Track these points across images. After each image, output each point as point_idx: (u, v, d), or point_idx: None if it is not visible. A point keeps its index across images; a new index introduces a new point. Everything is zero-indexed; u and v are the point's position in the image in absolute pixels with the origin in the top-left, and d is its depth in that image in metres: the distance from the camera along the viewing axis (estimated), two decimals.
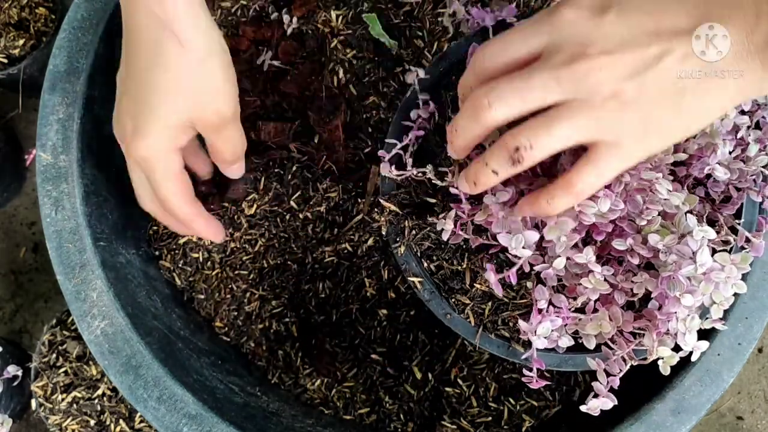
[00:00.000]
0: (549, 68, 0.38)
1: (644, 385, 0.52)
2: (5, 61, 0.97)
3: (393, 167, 0.48)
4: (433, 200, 0.49)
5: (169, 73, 0.47)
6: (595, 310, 0.43)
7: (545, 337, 0.43)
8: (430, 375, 0.65)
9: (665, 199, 0.41)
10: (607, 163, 0.38)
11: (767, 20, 0.36)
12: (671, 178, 0.44)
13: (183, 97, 0.48)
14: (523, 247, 0.41)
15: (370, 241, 0.65)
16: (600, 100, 0.37)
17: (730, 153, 0.45)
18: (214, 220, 0.58)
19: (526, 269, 0.44)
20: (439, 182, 0.47)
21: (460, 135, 0.42)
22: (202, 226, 0.56)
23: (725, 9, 0.36)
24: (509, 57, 0.40)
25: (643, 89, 0.37)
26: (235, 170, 0.58)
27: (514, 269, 0.43)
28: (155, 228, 0.68)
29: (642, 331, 0.42)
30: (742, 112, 0.46)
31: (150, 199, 0.55)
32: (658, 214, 0.42)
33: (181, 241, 0.68)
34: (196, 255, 0.68)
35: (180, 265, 0.68)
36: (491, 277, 0.44)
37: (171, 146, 0.49)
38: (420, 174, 0.47)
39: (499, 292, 0.44)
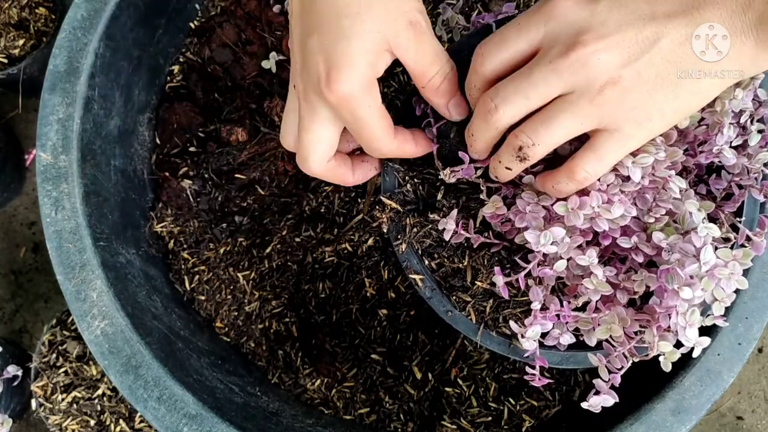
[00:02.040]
0: (547, 62, 0.38)
1: (644, 385, 0.52)
2: (5, 61, 0.97)
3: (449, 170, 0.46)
4: (439, 195, 0.49)
5: None
6: (597, 310, 0.43)
7: (535, 340, 0.44)
8: (430, 375, 0.64)
9: (675, 198, 0.41)
10: (608, 151, 0.39)
11: None
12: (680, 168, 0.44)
13: (374, 14, 0.41)
14: (552, 243, 0.41)
15: (370, 241, 0.65)
16: (598, 89, 0.37)
17: (732, 139, 0.45)
18: (417, 132, 0.48)
19: (535, 273, 0.44)
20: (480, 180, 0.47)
21: (477, 139, 0.42)
22: (411, 146, 0.47)
23: None
24: (509, 54, 0.40)
25: (641, 74, 0.37)
26: (455, 107, 0.46)
27: (522, 274, 0.43)
28: (156, 229, 0.68)
29: (643, 328, 0.42)
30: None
31: (325, 159, 0.46)
32: (666, 213, 0.42)
33: (182, 242, 0.69)
34: (195, 258, 0.68)
35: (182, 267, 0.68)
36: (499, 280, 0.44)
37: (373, 75, 0.42)
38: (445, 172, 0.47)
39: (505, 294, 0.44)
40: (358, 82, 0.41)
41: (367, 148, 0.46)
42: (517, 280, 0.44)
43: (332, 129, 0.44)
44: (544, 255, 0.45)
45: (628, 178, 0.41)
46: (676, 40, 0.37)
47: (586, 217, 0.41)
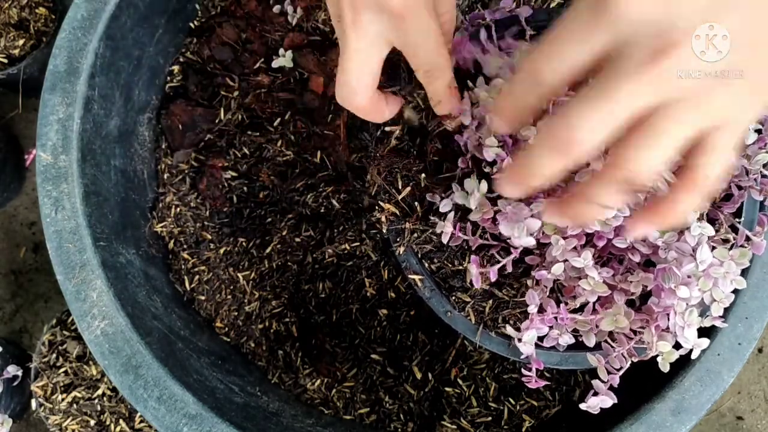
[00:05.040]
0: (632, 72, 0.31)
1: (644, 386, 0.52)
2: (5, 61, 0.97)
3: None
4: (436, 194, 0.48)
5: None
6: (595, 311, 0.43)
7: (531, 344, 0.43)
8: (430, 375, 0.64)
9: None
10: (725, 147, 0.33)
11: None
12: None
13: None
14: (527, 236, 0.41)
15: (370, 242, 0.65)
16: (704, 93, 0.31)
17: None
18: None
19: (509, 269, 0.44)
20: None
21: (535, 174, 0.35)
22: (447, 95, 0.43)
23: None
24: (568, 67, 0.34)
25: (752, 54, 0.31)
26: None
27: (497, 267, 0.43)
28: (156, 229, 0.68)
29: (642, 328, 0.42)
30: None
31: (373, 87, 0.43)
32: None
33: (183, 243, 0.68)
34: (195, 259, 0.68)
35: (182, 267, 0.68)
36: (473, 269, 0.43)
37: None
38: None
39: (477, 284, 0.44)
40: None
41: (422, 65, 0.41)
42: (491, 273, 0.43)
43: (383, 49, 0.41)
44: (542, 256, 0.45)
45: None
46: None
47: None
